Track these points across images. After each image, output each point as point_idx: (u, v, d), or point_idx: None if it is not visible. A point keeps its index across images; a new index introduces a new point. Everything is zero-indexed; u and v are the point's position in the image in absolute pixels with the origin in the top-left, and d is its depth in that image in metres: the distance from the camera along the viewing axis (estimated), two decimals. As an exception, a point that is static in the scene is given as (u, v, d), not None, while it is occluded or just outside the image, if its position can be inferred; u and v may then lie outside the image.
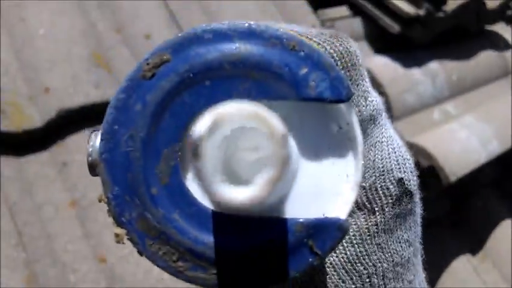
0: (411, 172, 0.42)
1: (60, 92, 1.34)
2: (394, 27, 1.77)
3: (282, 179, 0.25)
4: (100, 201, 0.32)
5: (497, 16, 2.07)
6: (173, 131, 0.30)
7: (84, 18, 1.51)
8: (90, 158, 0.32)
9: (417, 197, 0.43)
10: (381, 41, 1.87)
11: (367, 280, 0.40)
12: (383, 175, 0.40)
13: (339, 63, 0.37)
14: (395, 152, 0.40)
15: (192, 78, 0.30)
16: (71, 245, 1.22)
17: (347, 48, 0.37)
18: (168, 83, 0.30)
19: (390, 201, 0.40)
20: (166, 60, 0.30)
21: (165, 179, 0.30)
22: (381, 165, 0.40)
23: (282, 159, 0.25)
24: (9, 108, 1.29)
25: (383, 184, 0.40)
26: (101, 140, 0.31)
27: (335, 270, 0.40)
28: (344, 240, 0.40)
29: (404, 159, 0.41)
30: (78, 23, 1.48)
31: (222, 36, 0.31)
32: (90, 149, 0.32)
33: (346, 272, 0.40)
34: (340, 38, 0.38)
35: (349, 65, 0.37)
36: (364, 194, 0.40)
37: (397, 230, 0.41)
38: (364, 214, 0.40)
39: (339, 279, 0.40)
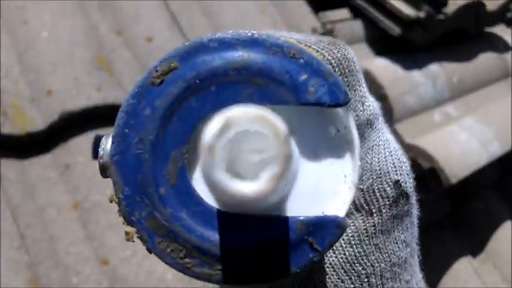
0: (407, 174, 0.43)
1: (62, 95, 1.35)
2: (395, 29, 1.78)
3: (285, 175, 0.26)
4: (111, 201, 0.33)
5: (497, 18, 2.08)
6: (180, 134, 0.32)
7: (86, 21, 1.52)
8: (101, 161, 0.33)
9: (413, 199, 0.44)
10: (381, 43, 1.88)
11: (366, 280, 0.41)
12: (380, 177, 0.41)
13: (336, 69, 0.38)
14: (391, 155, 0.42)
15: (198, 84, 0.32)
16: (74, 247, 1.23)
17: (345, 55, 0.39)
18: (176, 89, 0.32)
19: (387, 202, 0.41)
20: (175, 67, 0.32)
21: (172, 179, 0.32)
22: (378, 168, 0.41)
23: (286, 157, 0.26)
24: (11, 111, 1.30)
25: (380, 186, 0.41)
26: (112, 143, 0.32)
27: (334, 270, 0.41)
28: (343, 241, 0.41)
29: (400, 162, 0.42)
30: (79, 25, 1.49)
31: (226, 44, 0.33)
32: (102, 152, 0.33)
33: (345, 272, 0.41)
34: (338, 45, 0.39)
35: (346, 71, 0.39)
36: (362, 196, 0.41)
37: (394, 231, 0.42)
38: (362, 215, 0.41)
39: (338, 279, 0.41)
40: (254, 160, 0.29)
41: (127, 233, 0.32)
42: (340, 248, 0.41)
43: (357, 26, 1.87)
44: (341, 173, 0.33)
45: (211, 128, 0.26)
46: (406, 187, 0.42)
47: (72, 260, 1.20)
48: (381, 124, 0.42)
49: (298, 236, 0.32)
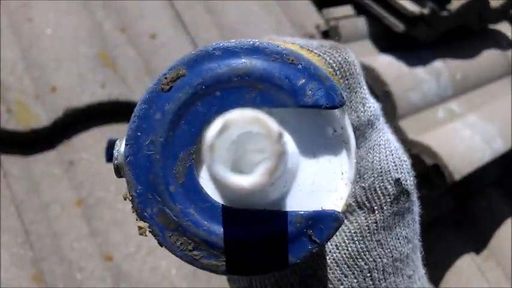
0: (408, 173, 0.44)
1: (66, 91, 1.36)
2: (399, 26, 1.78)
3: (278, 169, 0.28)
4: (125, 199, 0.36)
5: (501, 15, 2.07)
6: (188, 136, 0.35)
7: (90, 18, 1.52)
8: (116, 162, 0.36)
9: (414, 196, 0.45)
10: (385, 40, 1.88)
11: (368, 275, 0.42)
12: (381, 176, 0.42)
13: (337, 72, 0.41)
14: (392, 154, 0.43)
15: (204, 90, 0.35)
16: (78, 243, 1.23)
17: (345, 58, 0.41)
18: (183, 95, 0.35)
19: (388, 200, 0.42)
20: (182, 74, 0.35)
21: (181, 178, 0.35)
22: (379, 167, 0.42)
23: (278, 153, 0.28)
24: (16, 107, 1.31)
25: (381, 184, 0.42)
26: (126, 145, 0.35)
27: (338, 266, 0.42)
28: (346, 238, 0.42)
29: (401, 161, 0.44)
30: (84, 22, 1.50)
31: (230, 52, 0.35)
32: (116, 154, 0.36)
33: (348, 267, 0.42)
34: (339, 49, 0.41)
35: (347, 74, 0.41)
36: (364, 193, 0.42)
37: (395, 227, 0.43)
38: (364, 213, 0.42)
39: (342, 274, 0.42)
40: (257, 159, 0.31)
41: (140, 228, 0.35)
42: (343, 244, 0.42)
43: (361, 23, 1.87)
44: (338, 170, 0.36)
45: (212, 129, 0.28)
46: (407, 185, 0.43)
47: (76, 256, 1.21)
48: (382, 124, 0.44)
49: (297, 229, 0.34)
